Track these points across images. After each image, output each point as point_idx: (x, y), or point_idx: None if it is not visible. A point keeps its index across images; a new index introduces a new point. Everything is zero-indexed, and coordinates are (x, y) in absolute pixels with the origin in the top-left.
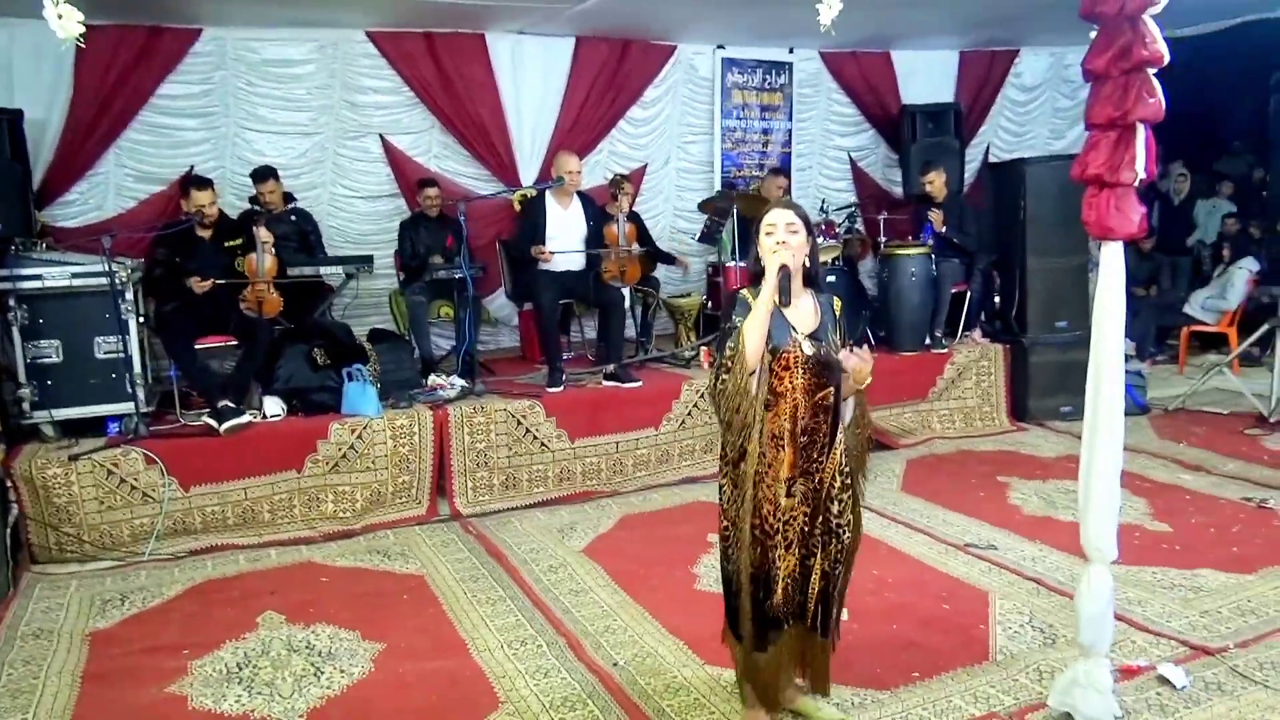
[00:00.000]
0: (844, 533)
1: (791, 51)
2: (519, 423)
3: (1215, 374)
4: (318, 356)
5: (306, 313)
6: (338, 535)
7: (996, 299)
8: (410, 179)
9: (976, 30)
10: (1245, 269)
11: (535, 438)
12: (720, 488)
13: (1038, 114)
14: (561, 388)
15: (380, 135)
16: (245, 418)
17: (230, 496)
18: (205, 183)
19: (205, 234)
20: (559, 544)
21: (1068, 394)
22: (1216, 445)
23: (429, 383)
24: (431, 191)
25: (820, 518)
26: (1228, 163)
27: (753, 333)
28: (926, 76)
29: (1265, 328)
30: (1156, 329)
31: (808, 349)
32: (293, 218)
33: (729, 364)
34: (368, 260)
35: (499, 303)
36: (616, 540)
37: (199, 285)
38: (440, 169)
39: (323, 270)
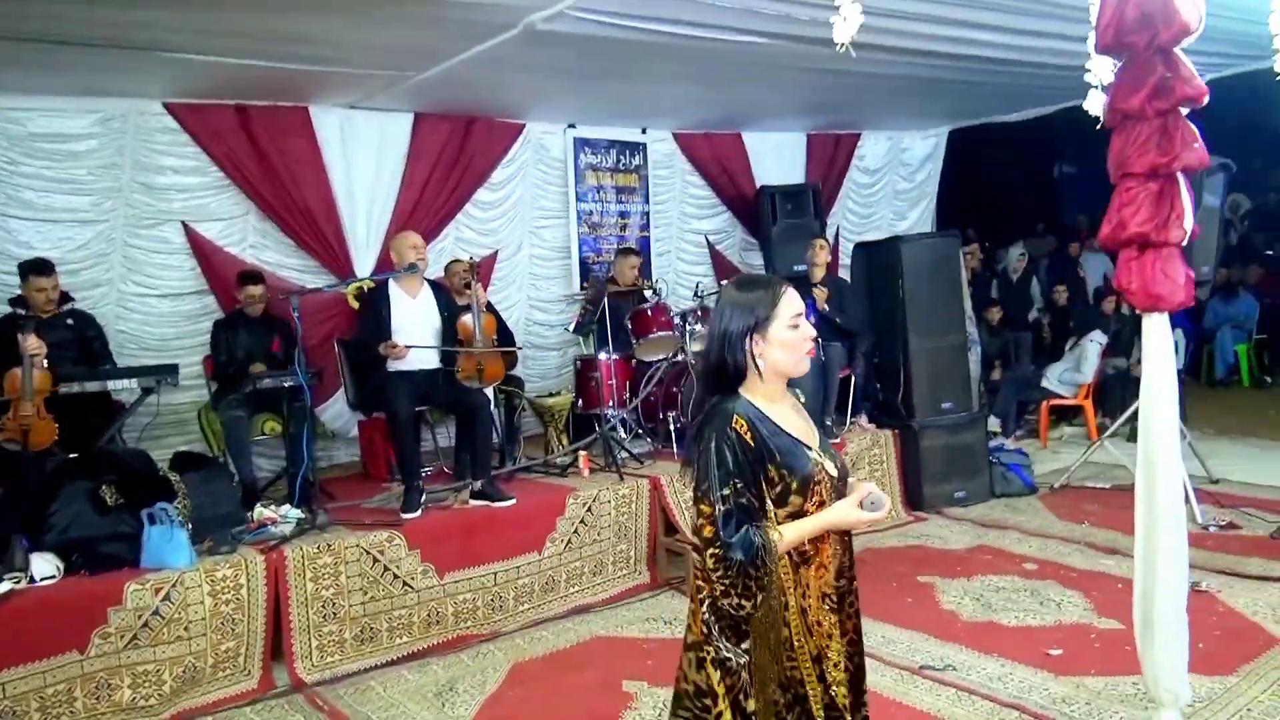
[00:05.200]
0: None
1: (644, 132)
2: (375, 560)
3: (1096, 448)
4: (107, 495)
5: (90, 440)
6: None
7: (878, 383)
8: (222, 273)
9: (820, 114)
10: (1096, 341)
11: (396, 576)
12: (715, 667)
13: (880, 196)
14: (420, 511)
15: (183, 222)
16: (4, 585)
17: None
18: None
19: None
20: (438, 713)
21: (960, 478)
22: (1117, 524)
23: (255, 517)
24: (255, 290)
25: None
26: (1034, 243)
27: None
28: (777, 157)
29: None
30: (1016, 404)
31: (830, 469)
32: (69, 321)
33: (763, 579)
34: (171, 370)
35: (334, 410)
36: (511, 701)
37: None
38: (259, 260)
39: (111, 385)
